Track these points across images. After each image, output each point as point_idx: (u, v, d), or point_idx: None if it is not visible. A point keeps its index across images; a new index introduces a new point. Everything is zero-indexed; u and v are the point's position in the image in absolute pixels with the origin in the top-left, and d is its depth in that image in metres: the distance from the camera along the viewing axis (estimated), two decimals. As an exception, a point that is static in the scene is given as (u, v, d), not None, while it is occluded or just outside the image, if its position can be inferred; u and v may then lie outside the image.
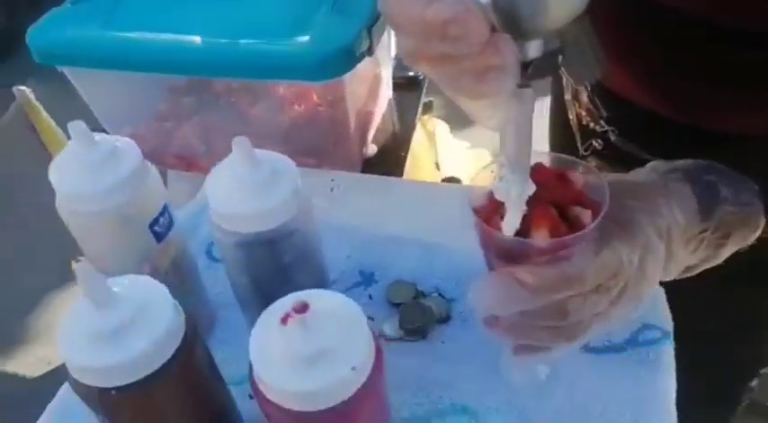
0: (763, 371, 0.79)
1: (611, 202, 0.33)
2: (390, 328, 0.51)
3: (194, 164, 0.79)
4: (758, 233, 0.39)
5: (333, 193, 0.64)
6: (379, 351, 0.31)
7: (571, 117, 0.65)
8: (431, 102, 0.96)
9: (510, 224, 0.32)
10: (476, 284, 0.33)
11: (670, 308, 0.51)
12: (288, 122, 0.75)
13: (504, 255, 0.34)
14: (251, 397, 0.43)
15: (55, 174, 0.39)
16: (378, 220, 0.60)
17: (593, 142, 0.62)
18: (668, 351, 0.48)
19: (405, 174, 0.77)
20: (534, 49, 0.26)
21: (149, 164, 0.43)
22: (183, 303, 0.34)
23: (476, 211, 0.33)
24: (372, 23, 0.63)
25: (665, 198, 0.36)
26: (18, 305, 1.67)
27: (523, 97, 0.28)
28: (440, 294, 0.53)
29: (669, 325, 0.50)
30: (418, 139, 0.91)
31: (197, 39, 0.63)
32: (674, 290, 0.64)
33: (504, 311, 0.34)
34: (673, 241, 0.36)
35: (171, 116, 0.79)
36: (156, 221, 0.42)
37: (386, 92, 0.85)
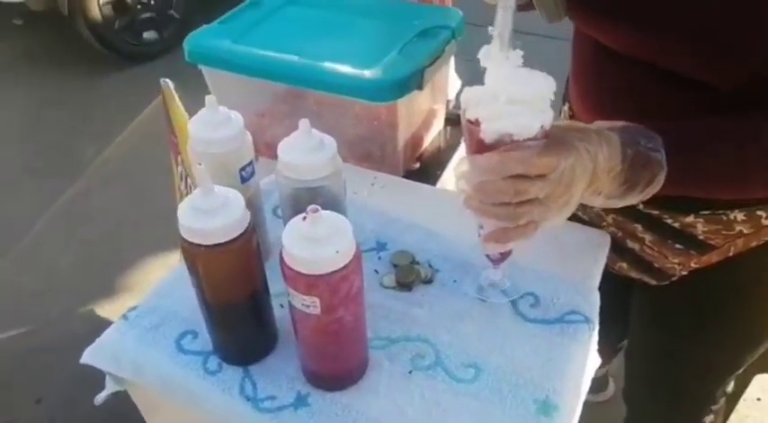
0: (714, 407, 0.90)
1: (557, 131, 0.49)
2: (388, 280, 0.70)
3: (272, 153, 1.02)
4: (661, 179, 0.52)
5: (372, 186, 0.85)
6: (358, 251, 0.51)
7: None
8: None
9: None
10: (461, 162, 0.50)
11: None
12: (354, 134, 0.97)
13: (480, 149, 0.50)
14: (281, 306, 0.63)
15: (192, 125, 0.62)
16: (400, 209, 0.80)
17: None
18: (585, 330, 0.64)
19: (437, 187, 0.96)
20: None
21: (247, 132, 0.65)
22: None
23: (467, 118, 0.50)
24: (426, 67, 0.85)
25: (598, 135, 0.51)
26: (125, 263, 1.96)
27: None
28: (430, 265, 0.72)
29: (593, 315, 0.66)
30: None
31: (297, 58, 0.87)
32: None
33: (478, 177, 0.50)
34: (598, 164, 0.50)
35: (269, 115, 1.03)
36: (243, 169, 0.64)
37: (437, 123, 1.06)
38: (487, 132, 0.48)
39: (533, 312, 0.66)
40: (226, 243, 0.52)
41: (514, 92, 0.48)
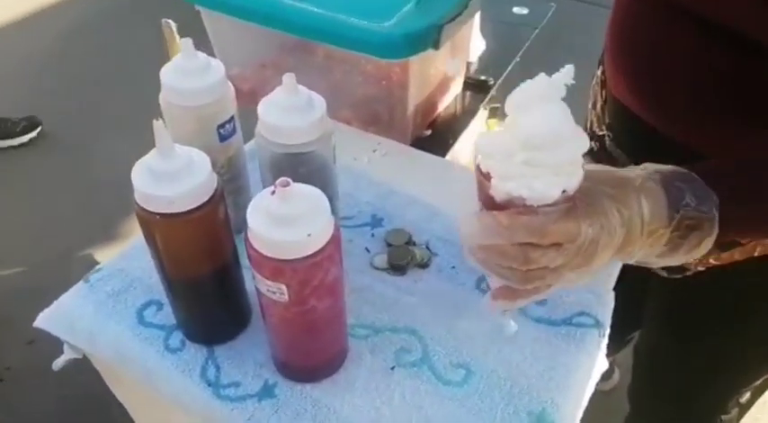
0: (724, 417, 0.83)
1: (589, 184, 0.41)
2: (380, 260, 0.63)
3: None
4: (711, 243, 0.45)
5: (374, 153, 0.77)
6: (336, 234, 0.43)
7: (587, 122, 0.74)
8: (497, 108, 1.06)
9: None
10: (465, 217, 0.42)
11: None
12: (361, 94, 0.88)
13: (490, 205, 0.43)
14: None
15: (165, 73, 0.54)
16: (401, 181, 0.72)
17: (592, 144, 0.70)
18: (594, 336, 0.57)
19: (448, 158, 0.88)
20: None
21: (230, 83, 0.57)
22: (229, 192, 0.48)
23: (479, 166, 0.42)
24: (444, 23, 0.75)
25: (636, 193, 0.43)
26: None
27: None
28: (427, 247, 0.64)
29: (604, 318, 0.58)
30: (472, 139, 1.01)
31: (308, 7, 0.77)
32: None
33: (481, 240, 0.42)
34: (634, 229, 0.42)
35: (273, 67, 0.95)
36: (222, 126, 0.56)
37: (456, 88, 0.96)
38: (497, 191, 0.41)
39: (539, 310, 0.58)
40: (186, 212, 0.45)
41: (533, 154, 0.39)
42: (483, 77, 0.99)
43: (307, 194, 0.42)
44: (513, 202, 0.41)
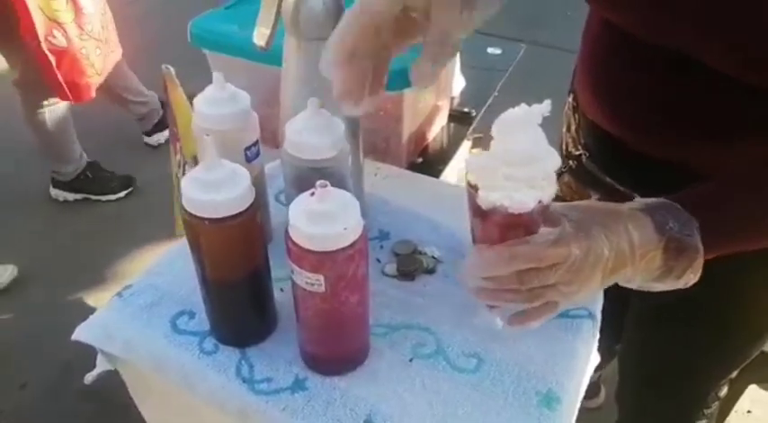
0: (707, 411, 0.89)
1: (582, 215, 0.49)
2: (390, 268, 0.69)
3: (274, 142, 1.01)
4: (700, 263, 0.51)
5: (375, 176, 0.84)
6: (365, 231, 0.50)
7: (562, 144, 0.82)
8: (480, 138, 1.15)
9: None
10: (470, 258, 0.49)
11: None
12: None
13: (478, 213, 0.50)
14: (281, 290, 0.62)
15: (198, 102, 0.61)
16: (403, 200, 0.79)
17: (570, 163, 0.79)
18: (589, 326, 0.63)
19: (439, 182, 0.95)
20: None
21: (253, 112, 0.64)
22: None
23: (468, 181, 0.50)
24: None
25: (624, 222, 0.50)
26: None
27: None
28: (432, 255, 0.71)
29: (596, 311, 0.65)
30: (460, 165, 1.10)
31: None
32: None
33: (482, 270, 0.49)
34: (622, 253, 0.49)
35: (275, 103, 1.02)
36: (248, 148, 0.63)
37: (441, 120, 1.05)
38: (483, 200, 0.49)
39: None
40: (230, 217, 0.50)
41: (513, 170, 0.48)
42: (466, 109, 1.08)
43: (340, 195, 0.49)
44: (497, 210, 0.49)
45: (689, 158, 0.64)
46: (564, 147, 0.85)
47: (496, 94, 1.15)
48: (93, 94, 1.89)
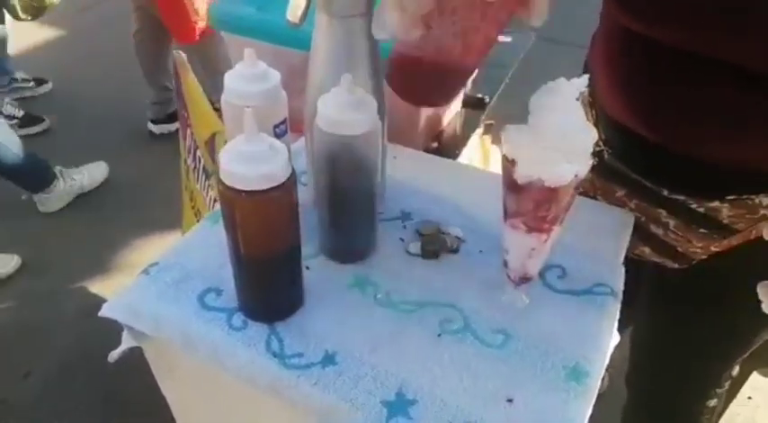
0: (719, 390, 0.90)
1: None
2: (414, 247, 0.70)
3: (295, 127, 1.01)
4: None
5: (395, 159, 0.84)
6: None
7: None
8: (491, 125, 1.16)
9: None
10: None
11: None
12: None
13: (513, 188, 0.52)
14: (307, 268, 0.63)
15: (228, 77, 0.61)
16: (423, 182, 0.79)
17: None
18: (612, 302, 0.64)
19: (455, 167, 0.96)
20: None
21: (282, 90, 0.64)
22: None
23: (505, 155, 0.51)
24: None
25: None
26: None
27: None
28: (456, 236, 0.71)
29: (618, 288, 0.66)
30: (474, 152, 1.10)
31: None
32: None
33: None
34: None
35: (293, 87, 1.02)
36: (277, 126, 0.63)
37: (455, 105, 1.06)
38: (519, 174, 0.50)
39: (561, 284, 0.66)
40: (267, 190, 0.51)
41: (553, 142, 0.48)
42: (479, 95, 1.09)
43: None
44: (533, 184, 0.50)
45: (720, 154, 0.66)
46: None
47: (508, 81, 1.15)
48: (197, 37, 1.98)
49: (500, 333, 0.61)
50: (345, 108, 0.58)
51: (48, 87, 2.67)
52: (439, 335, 0.60)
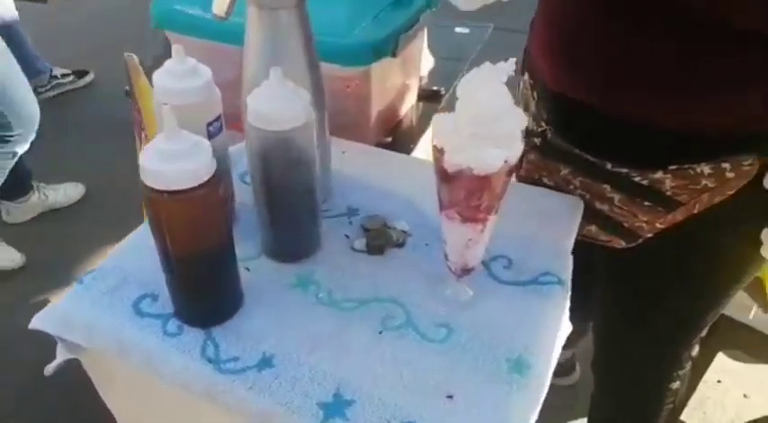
0: (680, 372, 0.90)
1: None
2: (359, 244, 0.68)
3: (236, 125, 0.99)
4: None
5: (344, 154, 0.83)
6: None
7: None
8: (449, 118, 1.14)
9: None
10: None
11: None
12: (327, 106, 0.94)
13: (444, 177, 0.51)
14: (247, 270, 0.61)
15: (157, 76, 0.59)
16: (371, 177, 0.78)
17: (535, 140, 0.78)
18: (560, 291, 0.63)
19: (409, 161, 0.94)
20: None
21: (215, 87, 0.62)
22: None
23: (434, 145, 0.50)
24: (400, 33, 0.83)
25: None
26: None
27: None
28: (402, 230, 0.70)
29: (566, 277, 0.65)
30: (430, 144, 1.09)
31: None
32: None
33: None
34: None
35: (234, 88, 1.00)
36: (211, 123, 0.61)
37: (411, 98, 1.04)
38: (449, 163, 0.48)
39: (506, 274, 0.65)
40: (190, 189, 0.49)
41: (478, 129, 0.47)
42: (435, 88, 1.07)
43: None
44: (462, 173, 0.48)
45: (662, 119, 0.65)
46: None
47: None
48: None
49: (443, 327, 0.59)
50: (276, 102, 0.57)
51: (89, 78, 2.63)
52: (380, 332, 0.59)
